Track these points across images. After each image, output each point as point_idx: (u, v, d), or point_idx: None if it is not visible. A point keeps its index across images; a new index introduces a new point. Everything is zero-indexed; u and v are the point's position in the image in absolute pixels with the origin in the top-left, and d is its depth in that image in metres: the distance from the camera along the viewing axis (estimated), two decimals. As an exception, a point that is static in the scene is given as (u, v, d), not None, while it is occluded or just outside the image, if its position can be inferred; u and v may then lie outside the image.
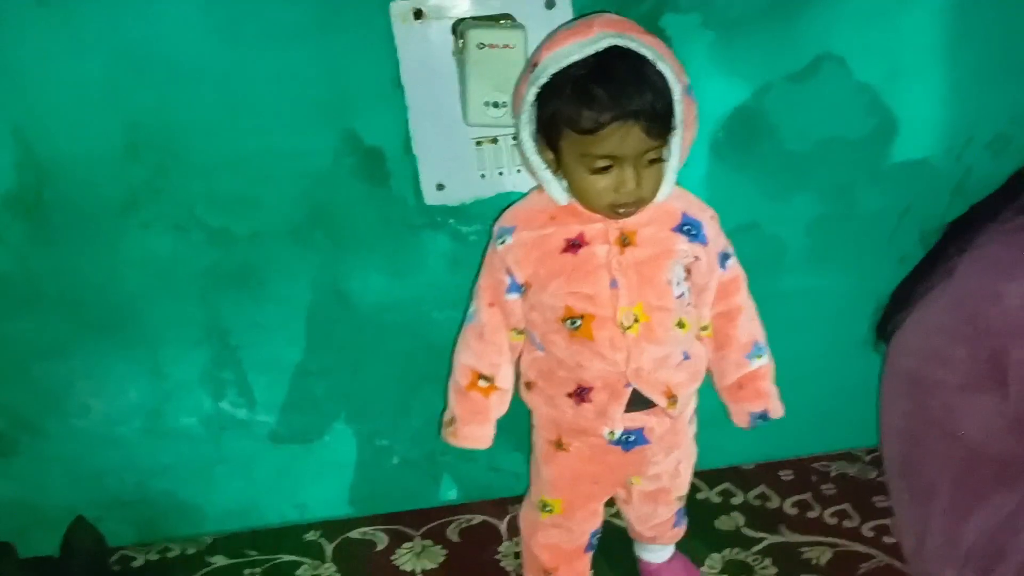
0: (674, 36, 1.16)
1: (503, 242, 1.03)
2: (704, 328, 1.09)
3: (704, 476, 1.43)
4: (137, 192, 1.18)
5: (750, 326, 1.10)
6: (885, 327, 1.18)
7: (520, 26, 1.11)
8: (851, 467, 1.46)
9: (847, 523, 1.33)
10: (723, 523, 1.36)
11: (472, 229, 1.25)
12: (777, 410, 1.12)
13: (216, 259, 1.23)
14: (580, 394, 1.03)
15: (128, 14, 1.08)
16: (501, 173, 1.21)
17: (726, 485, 1.42)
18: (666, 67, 0.91)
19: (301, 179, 1.20)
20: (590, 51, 0.90)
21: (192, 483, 1.40)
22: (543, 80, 0.92)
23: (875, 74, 1.22)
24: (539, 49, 0.97)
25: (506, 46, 1.09)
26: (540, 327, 1.03)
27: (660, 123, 0.91)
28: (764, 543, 1.31)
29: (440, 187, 1.22)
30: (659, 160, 0.95)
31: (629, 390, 1.01)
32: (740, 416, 1.12)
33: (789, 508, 1.37)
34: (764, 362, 1.11)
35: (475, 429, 1.09)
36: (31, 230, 1.19)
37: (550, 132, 0.94)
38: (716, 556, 1.29)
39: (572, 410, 1.04)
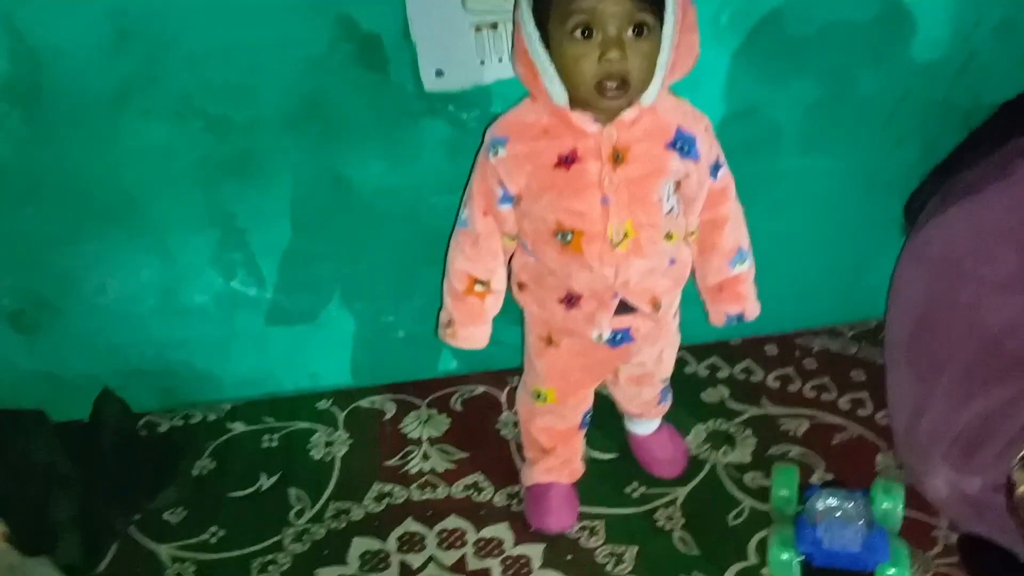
0: (680, -86, 1.11)
1: (495, 153, 1.03)
2: (691, 233, 1.11)
3: (693, 350, 1.50)
4: (130, 81, 1.16)
5: (735, 233, 1.13)
6: (914, 205, 1.18)
7: (521, -92, 1.06)
8: (833, 342, 1.53)
9: (825, 396, 1.42)
10: (709, 395, 1.45)
11: (472, 115, 1.25)
12: (752, 311, 1.16)
13: (215, 146, 1.23)
14: (569, 300, 1.07)
15: None
16: (501, 60, 1.20)
17: (713, 359, 1.51)
18: None
19: (297, 66, 1.18)
20: None
21: (208, 354, 1.47)
22: None
23: (886, -46, 1.18)
24: None
25: (506, -70, 1.05)
26: (531, 236, 1.06)
27: None
28: (746, 415, 1.40)
29: (439, 73, 1.21)
30: (647, 35, 0.91)
31: (616, 300, 1.06)
32: (717, 315, 1.17)
33: (771, 381, 1.46)
34: (745, 268, 1.14)
35: (473, 331, 1.14)
36: (28, 119, 1.18)
37: (542, 11, 0.92)
38: (701, 427, 1.39)
39: (562, 314, 1.09)
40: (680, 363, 1.48)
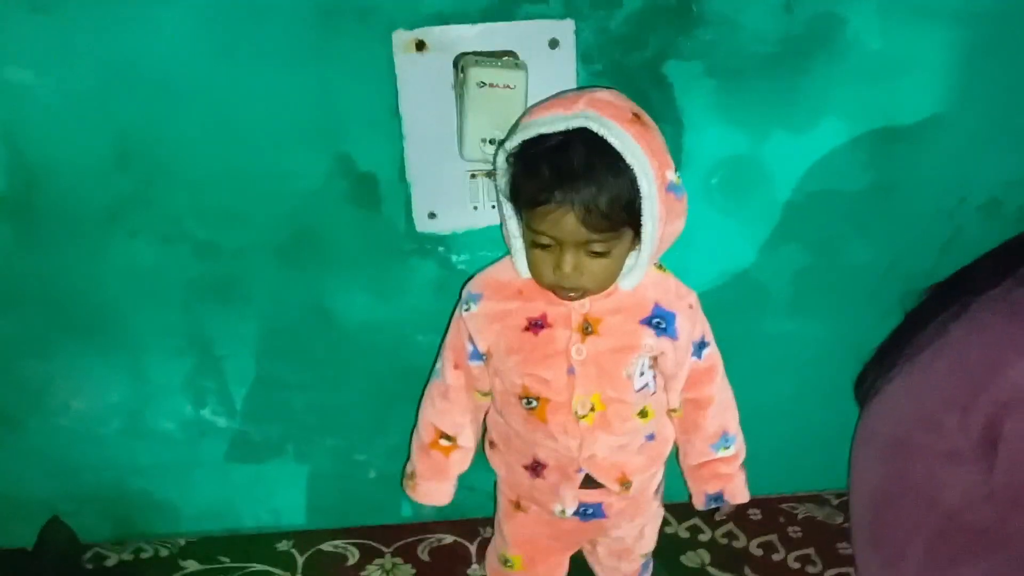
0: (675, 83, 1.16)
1: (468, 309, 1.02)
2: (674, 410, 1.07)
3: (674, 509, 1.44)
4: (124, 201, 1.17)
5: (721, 416, 1.08)
6: (863, 386, 1.18)
7: (522, 66, 1.09)
8: (819, 511, 1.48)
9: (810, 568, 1.36)
10: (689, 559, 1.38)
11: (461, 258, 1.25)
12: (737, 494, 1.09)
13: (201, 271, 1.23)
14: (535, 468, 1.03)
15: (123, 25, 1.06)
16: (494, 206, 1.21)
17: (695, 521, 1.44)
18: (638, 162, 0.87)
19: (291, 198, 1.19)
20: (562, 127, 0.87)
21: (169, 483, 1.41)
22: (511, 146, 0.91)
23: (873, 132, 1.22)
24: (527, 111, 0.96)
25: (506, 86, 1.07)
26: (500, 396, 1.03)
27: (600, 217, 0.86)
28: (727, 584, 1.34)
29: (432, 215, 1.22)
30: (603, 254, 0.90)
31: (581, 474, 1.01)
32: (697, 497, 1.11)
33: (755, 549, 1.40)
34: (730, 452, 1.09)
35: (434, 486, 1.10)
36: (18, 232, 1.18)
37: (513, 197, 0.93)
38: (679, 594, 1.32)
39: (527, 480, 1.05)
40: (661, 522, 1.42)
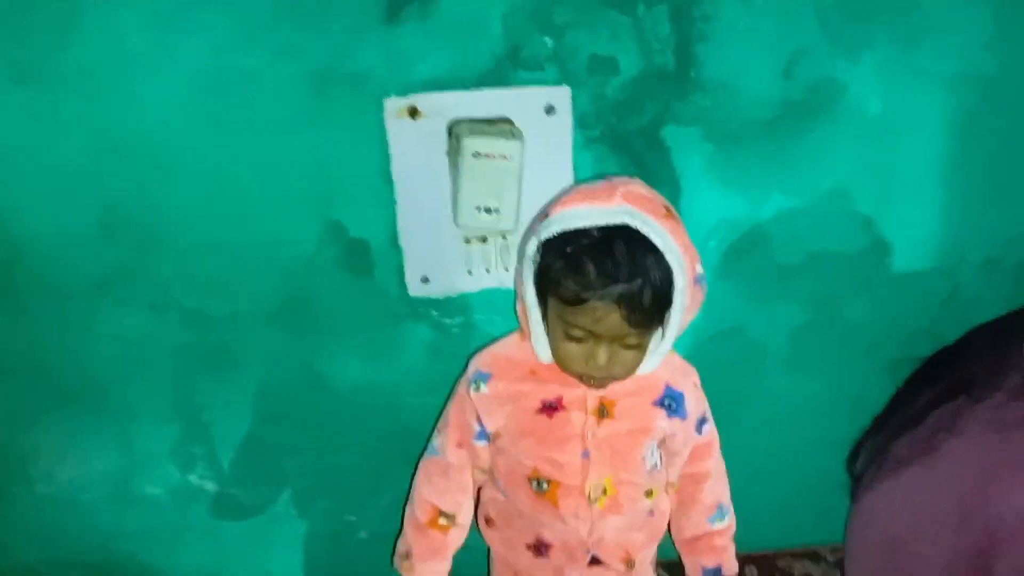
0: (673, 147, 1.14)
1: (477, 388, 1.00)
2: (671, 484, 1.07)
3: (668, 567, 1.42)
4: (111, 272, 1.14)
5: (716, 489, 1.09)
6: (855, 461, 1.17)
7: (517, 135, 1.08)
8: (815, 567, 1.46)
9: (810, 630, 1.35)
10: (688, 620, 1.36)
11: (455, 322, 1.23)
12: (731, 568, 1.10)
13: (191, 339, 1.20)
14: (539, 548, 1.01)
15: (109, 95, 1.04)
16: (488, 271, 1.19)
17: (692, 580, 1.42)
18: (675, 258, 0.87)
19: (282, 266, 1.17)
20: (601, 222, 0.86)
21: (156, 548, 1.38)
22: (547, 236, 0.89)
23: (871, 194, 1.21)
24: (556, 200, 0.94)
25: (502, 156, 1.06)
26: (505, 477, 1.01)
27: (643, 314, 0.87)
28: (726, 648, 1.31)
29: (425, 280, 1.19)
30: (637, 346, 0.91)
31: (589, 555, 1.00)
32: (692, 570, 1.11)
33: (753, 609, 1.38)
34: (724, 524, 1.10)
35: (433, 566, 1.08)
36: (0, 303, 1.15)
37: (542, 287, 0.92)
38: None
39: (529, 560, 1.03)
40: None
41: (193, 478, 1.31)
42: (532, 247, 0.91)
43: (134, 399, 1.24)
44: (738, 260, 1.23)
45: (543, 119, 1.10)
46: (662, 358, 0.95)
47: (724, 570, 1.10)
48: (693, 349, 1.16)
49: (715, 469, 1.08)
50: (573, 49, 1.08)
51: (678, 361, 1.03)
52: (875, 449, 1.14)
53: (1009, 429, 0.97)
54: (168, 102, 1.05)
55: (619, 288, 0.85)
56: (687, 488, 1.07)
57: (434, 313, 1.22)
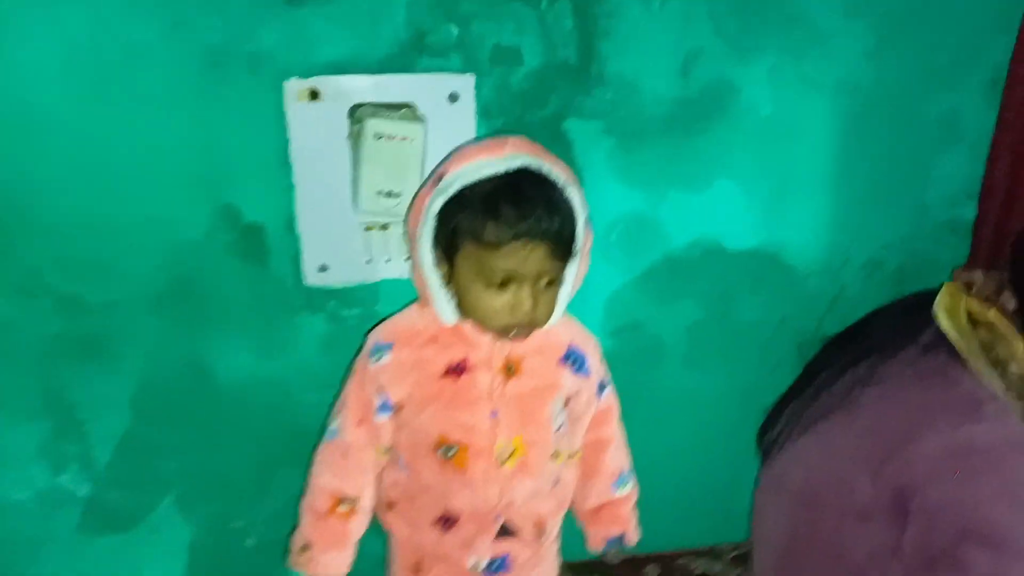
0: (575, 140, 1.16)
1: (378, 359, 0.98)
2: (574, 454, 1.07)
3: (571, 568, 1.41)
4: (-25, 250, 1.06)
5: (619, 455, 1.11)
6: (766, 435, 1.20)
7: (420, 118, 1.07)
8: (714, 565, 1.48)
9: (708, 626, 1.36)
10: (588, 620, 1.35)
11: (353, 313, 1.20)
12: (633, 536, 1.12)
13: (64, 327, 1.12)
14: (446, 522, 0.99)
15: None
16: (388, 260, 1.16)
17: (594, 580, 1.42)
18: (574, 192, 0.91)
19: (167, 249, 1.11)
20: (501, 168, 0.88)
21: (14, 561, 1.26)
22: (451, 192, 0.89)
23: (764, 193, 1.25)
24: (447, 161, 0.94)
25: (404, 138, 1.05)
26: (408, 450, 0.99)
27: (563, 247, 0.90)
28: (626, 646, 1.31)
29: (323, 268, 1.16)
30: (555, 284, 0.93)
31: (499, 522, 0.99)
32: (595, 539, 1.12)
33: (653, 608, 1.39)
34: (627, 491, 1.12)
35: (333, 556, 1.03)
36: None
37: (449, 246, 0.91)
38: (577, 659, 1.28)
39: (435, 537, 1.00)
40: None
41: (65, 480, 1.21)
42: (436, 207, 0.90)
43: (-2, 392, 1.14)
44: (638, 254, 1.25)
45: (447, 107, 1.09)
46: (563, 308, 0.96)
47: (626, 537, 1.11)
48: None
49: (617, 435, 1.10)
50: (478, 38, 1.09)
51: (578, 326, 1.05)
52: (789, 416, 1.16)
53: (926, 376, 1.00)
54: (44, 70, 0.99)
55: (542, 224, 0.87)
56: (591, 456, 1.09)
57: (332, 303, 1.18)
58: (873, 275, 1.35)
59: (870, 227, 1.32)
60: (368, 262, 1.16)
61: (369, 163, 1.05)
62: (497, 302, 0.91)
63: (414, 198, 0.97)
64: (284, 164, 1.08)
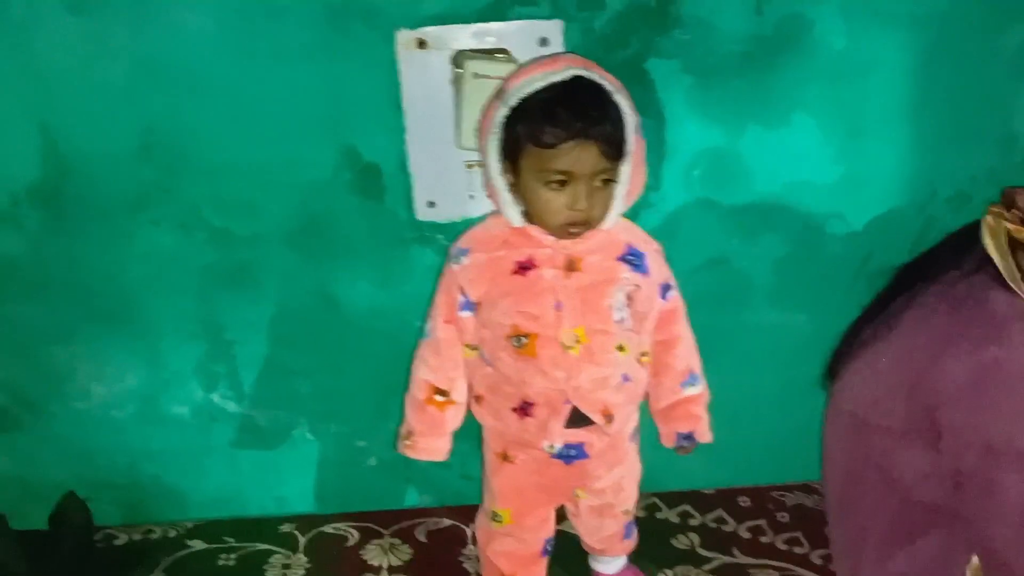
0: (656, 79, 1.25)
1: (458, 263, 1.10)
2: (644, 354, 1.14)
3: (665, 497, 1.49)
4: (148, 190, 1.27)
5: (687, 355, 1.17)
6: (834, 366, 1.24)
7: (515, 61, 1.20)
8: (807, 498, 1.51)
9: (797, 550, 1.39)
10: (679, 542, 1.42)
11: (459, 246, 1.33)
12: (704, 434, 1.18)
13: (216, 258, 1.31)
14: (523, 408, 1.09)
15: (151, 25, 1.18)
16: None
17: (685, 507, 1.49)
18: (623, 101, 1.00)
19: (300, 188, 1.28)
20: (557, 79, 0.99)
21: (179, 470, 1.47)
22: (513, 102, 1.00)
23: (842, 128, 1.30)
24: (508, 79, 1.05)
25: (500, 78, 1.17)
26: (489, 344, 1.10)
27: (614, 147, 0.99)
28: (715, 563, 1.37)
29: (431, 204, 1.30)
30: (610, 182, 1.02)
31: (568, 407, 1.08)
32: (668, 436, 1.18)
33: (744, 532, 1.44)
34: (698, 391, 1.17)
35: (432, 441, 1.16)
36: (48, 220, 1.28)
37: (513, 152, 1.02)
38: (668, 572, 1.35)
39: (516, 423, 1.11)
40: (651, 508, 1.47)
41: (215, 397, 1.41)
42: (499, 116, 1.01)
43: (163, 317, 1.35)
44: (721, 189, 1.33)
45: (537, 51, 1.21)
46: (620, 208, 1.05)
47: (696, 434, 1.17)
48: (680, 280, 1.21)
49: (684, 335, 1.16)
50: (564, -14, 1.21)
51: (639, 231, 1.13)
52: (852, 343, 1.20)
53: (958, 300, 1.03)
54: (202, 33, 1.19)
55: (592, 125, 0.97)
56: (660, 356, 1.16)
57: (439, 237, 1.33)
58: (961, 209, 1.37)
59: (954, 160, 1.34)
60: (470, 197, 1.30)
61: (469, 101, 1.18)
62: (556, 201, 1.01)
63: (483, 114, 1.09)
64: (396, 108, 1.23)
